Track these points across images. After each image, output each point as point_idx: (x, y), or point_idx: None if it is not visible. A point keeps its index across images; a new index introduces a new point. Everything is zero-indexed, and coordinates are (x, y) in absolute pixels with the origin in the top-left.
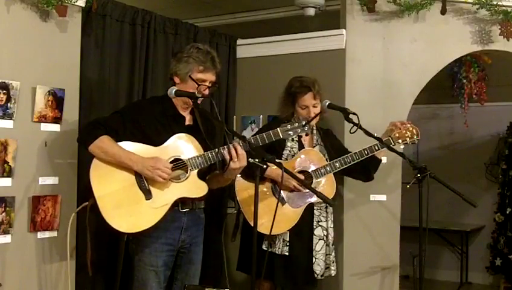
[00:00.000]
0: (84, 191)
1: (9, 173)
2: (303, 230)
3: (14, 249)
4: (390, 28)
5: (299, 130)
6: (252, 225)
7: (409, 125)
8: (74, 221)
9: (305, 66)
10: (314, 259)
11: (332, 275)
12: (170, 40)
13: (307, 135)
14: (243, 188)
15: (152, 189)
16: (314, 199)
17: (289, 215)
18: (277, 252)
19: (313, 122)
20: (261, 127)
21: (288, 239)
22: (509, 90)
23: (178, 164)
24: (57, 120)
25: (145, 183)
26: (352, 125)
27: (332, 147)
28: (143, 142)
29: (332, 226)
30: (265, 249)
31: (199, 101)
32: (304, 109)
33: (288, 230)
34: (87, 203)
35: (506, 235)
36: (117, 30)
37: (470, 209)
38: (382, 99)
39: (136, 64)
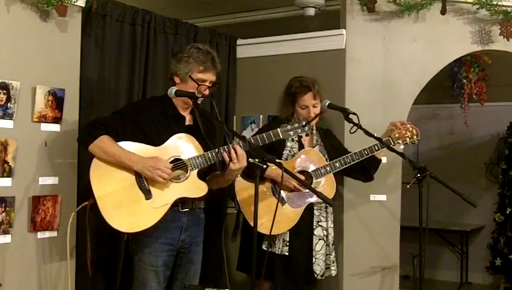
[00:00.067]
0: (84, 191)
1: (9, 173)
2: (303, 230)
3: (14, 249)
4: (390, 28)
5: (299, 130)
6: (252, 225)
7: (409, 125)
8: (74, 221)
9: (305, 66)
10: (314, 259)
11: (333, 275)
12: (170, 40)
13: (307, 135)
14: (243, 188)
15: (152, 189)
16: (314, 199)
17: (289, 215)
18: (277, 252)
19: (313, 123)
20: (261, 127)
21: (288, 239)
22: (509, 90)
23: (178, 164)
24: (57, 120)
25: (145, 183)
26: (352, 125)
27: (332, 147)
28: (143, 142)
29: (332, 226)
30: (265, 249)
31: (199, 101)
32: (303, 109)
33: (288, 230)
34: (87, 202)
35: (506, 235)
36: (117, 30)
37: (470, 209)
38: (382, 99)
39: (136, 64)
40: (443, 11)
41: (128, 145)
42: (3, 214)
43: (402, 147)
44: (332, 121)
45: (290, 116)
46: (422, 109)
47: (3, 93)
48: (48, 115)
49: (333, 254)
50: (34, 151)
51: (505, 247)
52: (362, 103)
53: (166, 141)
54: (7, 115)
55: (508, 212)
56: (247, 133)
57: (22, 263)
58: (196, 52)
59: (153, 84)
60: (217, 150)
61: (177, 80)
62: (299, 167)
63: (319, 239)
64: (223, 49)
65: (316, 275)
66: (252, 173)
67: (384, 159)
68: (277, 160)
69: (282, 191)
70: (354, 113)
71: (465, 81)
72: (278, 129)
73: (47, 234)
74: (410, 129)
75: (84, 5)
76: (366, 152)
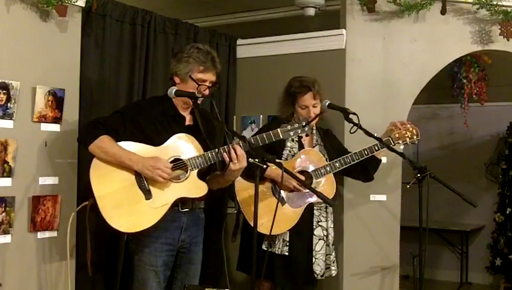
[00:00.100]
0: (84, 191)
1: (9, 173)
2: (303, 230)
3: (14, 249)
4: (390, 28)
5: (299, 130)
6: (252, 225)
7: (408, 125)
8: (74, 220)
9: (305, 66)
10: (314, 259)
11: (333, 275)
12: (170, 40)
13: (307, 135)
14: (243, 188)
15: (152, 189)
16: (314, 199)
17: (289, 215)
18: (277, 252)
19: (313, 123)
20: (261, 127)
21: (288, 239)
22: (509, 90)
23: (178, 164)
24: (57, 120)
25: (145, 183)
26: (352, 125)
27: (332, 147)
28: (143, 142)
29: (332, 226)
30: (265, 249)
31: (199, 101)
32: (303, 109)
33: (288, 230)
34: (87, 202)
35: (506, 235)
36: (117, 30)
37: (470, 209)
38: (382, 99)
39: (136, 64)
40: (443, 11)
41: (128, 145)
42: (3, 214)
43: (402, 147)
44: (332, 121)
45: (290, 116)
46: (422, 109)
47: (3, 93)
48: (47, 115)
49: (333, 254)
50: (34, 151)
51: (505, 247)
52: (362, 103)
53: (166, 141)
54: (7, 115)
55: (508, 212)
56: (247, 133)
57: (22, 263)
58: (196, 52)
59: (153, 84)
60: (217, 150)
61: (177, 80)
62: (299, 167)
63: (319, 239)
64: (223, 49)
65: (316, 275)
66: (252, 173)
67: (384, 159)
68: (277, 160)
69: (282, 191)
70: (354, 113)
71: (465, 81)
72: (278, 129)
73: (47, 234)
74: (410, 129)
75: (84, 5)
76: (366, 152)
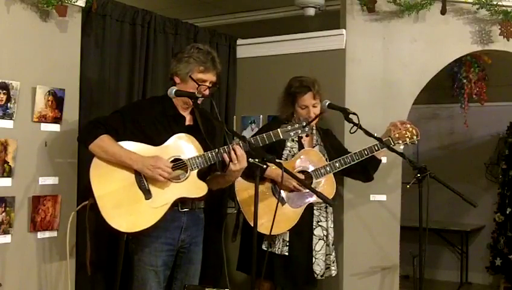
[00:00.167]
0: (84, 191)
1: (9, 173)
2: (303, 230)
3: (14, 249)
4: (390, 28)
5: (299, 130)
6: (252, 225)
7: (408, 125)
8: (74, 220)
9: (305, 66)
10: (314, 259)
11: (333, 275)
12: (170, 40)
13: (307, 135)
14: (243, 188)
15: (152, 189)
16: (314, 199)
17: (289, 215)
18: (277, 252)
19: (313, 123)
20: (261, 127)
21: (288, 239)
22: (509, 90)
23: (178, 163)
24: (57, 120)
25: (144, 182)
26: (352, 125)
27: (332, 147)
28: (143, 142)
29: (332, 226)
30: (265, 249)
31: (199, 101)
32: (303, 109)
33: (288, 230)
34: (86, 202)
35: (506, 235)
36: (117, 30)
37: (470, 209)
38: (382, 99)
39: (136, 64)
40: (443, 11)
41: (128, 145)
42: (3, 214)
43: (402, 147)
44: (332, 121)
45: (290, 116)
46: (422, 109)
47: (3, 93)
48: (48, 115)
49: (333, 254)
50: (34, 151)
51: (505, 247)
52: (362, 103)
53: (166, 141)
54: (7, 115)
55: (508, 212)
56: (247, 133)
57: (22, 263)
58: (196, 52)
59: (153, 84)
60: (217, 150)
61: (177, 80)
62: (299, 167)
63: (319, 239)
64: (223, 49)
65: (316, 275)
66: (252, 173)
67: (384, 159)
68: (277, 160)
69: (282, 191)
70: (354, 113)
71: (465, 81)
72: (278, 129)
73: (47, 234)
74: (410, 129)
75: (84, 5)
76: (366, 152)
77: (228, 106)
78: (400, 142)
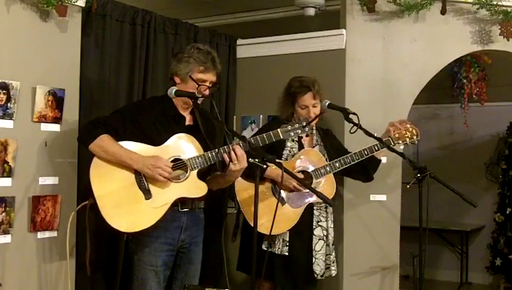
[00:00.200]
0: (84, 191)
1: (9, 173)
2: (303, 230)
3: (14, 249)
4: (390, 28)
5: (299, 130)
6: (252, 225)
7: (408, 125)
8: (74, 220)
9: (305, 66)
10: (314, 259)
11: (333, 275)
12: (170, 40)
13: (307, 135)
14: (243, 188)
15: (152, 188)
16: (314, 199)
17: (289, 215)
18: (277, 252)
19: (313, 123)
20: (261, 127)
21: (288, 239)
22: (509, 90)
23: (178, 163)
24: (57, 120)
25: (144, 182)
26: (352, 125)
27: (332, 147)
28: (143, 142)
29: (332, 226)
30: (265, 249)
31: (199, 101)
32: (303, 109)
33: (288, 230)
34: (86, 202)
35: (506, 235)
36: (117, 30)
37: (470, 209)
38: (382, 99)
39: (136, 64)
40: (443, 11)
41: (128, 145)
42: (3, 214)
43: (402, 147)
44: (332, 121)
45: (290, 116)
46: (422, 109)
47: (3, 93)
48: (48, 115)
49: (333, 254)
50: (34, 151)
51: (505, 247)
52: (362, 103)
53: (166, 141)
54: (7, 115)
55: (508, 212)
56: (247, 133)
57: (22, 263)
58: (196, 52)
59: (153, 84)
60: (217, 150)
61: (177, 80)
62: (299, 167)
63: (319, 239)
64: (223, 49)
65: (316, 275)
66: (252, 173)
67: (384, 159)
68: (277, 160)
69: (282, 191)
70: (354, 113)
71: (465, 81)
72: (278, 129)
73: (47, 234)
74: (410, 129)
75: (84, 5)
76: (366, 152)
77: (228, 106)
78: (400, 142)
